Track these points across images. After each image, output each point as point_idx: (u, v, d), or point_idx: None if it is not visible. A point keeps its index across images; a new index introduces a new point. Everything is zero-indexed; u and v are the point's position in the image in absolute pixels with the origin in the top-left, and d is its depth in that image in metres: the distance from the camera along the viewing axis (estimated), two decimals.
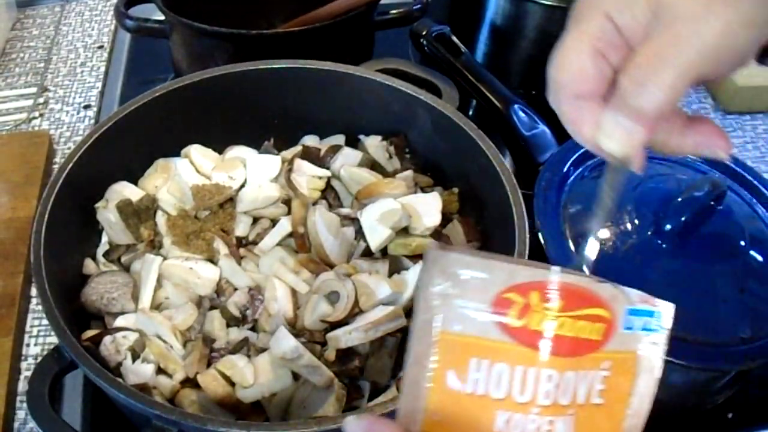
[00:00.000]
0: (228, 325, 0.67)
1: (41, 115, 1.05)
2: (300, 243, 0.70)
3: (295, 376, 0.62)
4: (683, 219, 0.65)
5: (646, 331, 0.37)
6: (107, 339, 0.64)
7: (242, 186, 0.75)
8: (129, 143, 0.75)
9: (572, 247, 0.67)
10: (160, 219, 0.73)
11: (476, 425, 0.34)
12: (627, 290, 0.37)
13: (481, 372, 0.34)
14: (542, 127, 0.86)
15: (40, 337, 0.78)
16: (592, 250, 0.45)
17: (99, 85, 1.11)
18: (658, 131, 0.39)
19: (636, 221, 0.67)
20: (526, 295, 0.34)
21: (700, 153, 0.41)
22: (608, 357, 0.36)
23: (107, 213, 0.71)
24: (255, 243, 0.72)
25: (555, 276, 0.35)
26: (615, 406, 0.36)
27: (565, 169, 0.73)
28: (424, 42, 0.97)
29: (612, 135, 0.38)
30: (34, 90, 1.08)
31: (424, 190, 0.79)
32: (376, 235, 0.69)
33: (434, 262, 0.34)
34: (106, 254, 0.72)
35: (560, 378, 0.34)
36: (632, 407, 0.36)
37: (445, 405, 0.34)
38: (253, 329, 0.67)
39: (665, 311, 0.37)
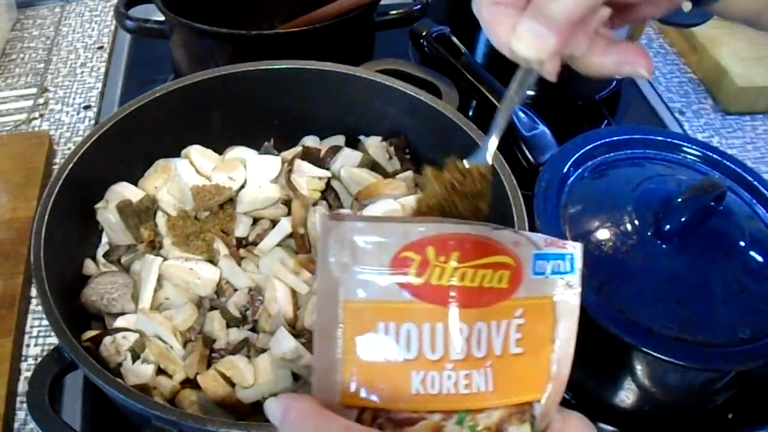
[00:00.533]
0: (228, 326, 0.67)
1: (41, 115, 1.05)
2: (300, 244, 0.70)
3: (296, 377, 0.62)
4: (683, 219, 0.65)
5: (559, 275, 0.36)
6: (107, 339, 0.64)
7: (242, 187, 0.75)
8: (129, 144, 0.75)
9: None
10: (160, 219, 0.73)
11: (393, 389, 0.33)
12: (531, 235, 0.36)
13: (389, 335, 0.33)
14: (542, 128, 0.86)
15: (40, 337, 0.78)
16: (492, 144, 0.46)
17: (99, 85, 1.11)
18: (577, 45, 0.41)
19: (636, 222, 0.67)
20: (422, 252, 0.34)
21: (622, 71, 0.43)
22: (521, 304, 0.35)
23: (107, 213, 0.71)
24: (255, 244, 0.72)
25: (449, 228, 0.34)
26: (537, 354, 0.35)
27: (565, 170, 0.73)
28: (424, 42, 0.97)
29: (525, 39, 0.39)
30: (34, 90, 1.08)
31: None
32: None
33: (329, 232, 0.34)
34: (106, 255, 0.72)
35: (470, 330, 0.34)
36: (556, 353, 0.36)
37: (359, 374, 0.33)
38: (253, 330, 0.67)
39: (576, 252, 0.37)
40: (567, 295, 0.36)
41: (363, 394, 0.33)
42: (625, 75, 0.44)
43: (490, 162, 0.44)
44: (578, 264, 0.37)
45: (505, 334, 0.34)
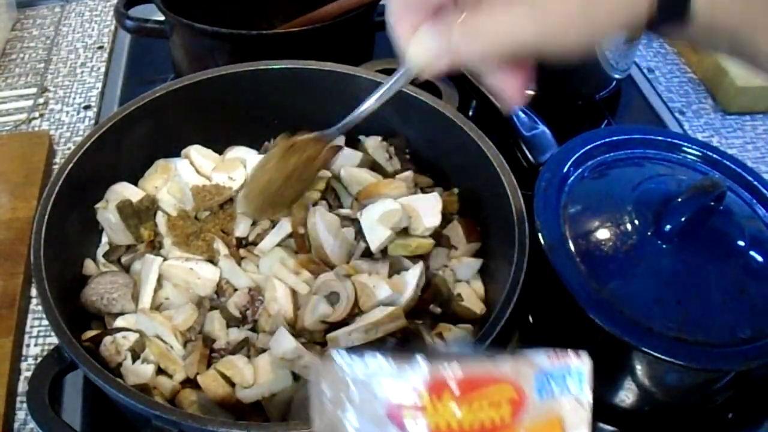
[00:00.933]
0: (228, 326, 0.67)
1: (41, 115, 1.05)
2: (300, 244, 0.70)
3: (295, 377, 0.62)
4: (683, 219, 0.65)
5: (567, 395, 0.35)
6: (107, 339, 0.64)
7: (242, 186, 0.75)
8: (129, 144, 0.75)
9: (572, 248, 0.67)
10: (160, 219, 0.73)
11: None
12: (533, 355, 0.35)
13: None
14: (542, 128, 0.86)
15: (40, 337, 0.78)
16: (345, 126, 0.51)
17: (99, 85, 1.11)
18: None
19: (636, 221, 0.67)
20: (417, 398, 0.33)
21: (494, 97, 0.45)
22: (529, 430, 0.34)
23: (107, 213, 0.71)
24: (255, 244, 0.72)
25: (443, 369, 0.34)
26: None
27: (565, 170, 0.73)
28: None
29: (423, 46, 0.42)
30: (34, 90, 1.08)
31: (424, 190, 0.79)
32: (376, 236, 0.69)
33: (320, 374, 0.34)
34: (106, 255, 0.72)
35: None
36: None
37: None
38: (253, 330, 0.67)
39: (583, 364, 0.36)
40: (577, 412, 0.36)
41: None
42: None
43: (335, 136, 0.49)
44: (587, 378, 0.36)
45: None
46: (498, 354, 0.35)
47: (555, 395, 0.35)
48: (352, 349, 0.35)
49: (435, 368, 0.34)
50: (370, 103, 0.52)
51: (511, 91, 0.45)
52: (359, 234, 0.71)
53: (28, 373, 0.74)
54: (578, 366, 0.36)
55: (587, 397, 0.36)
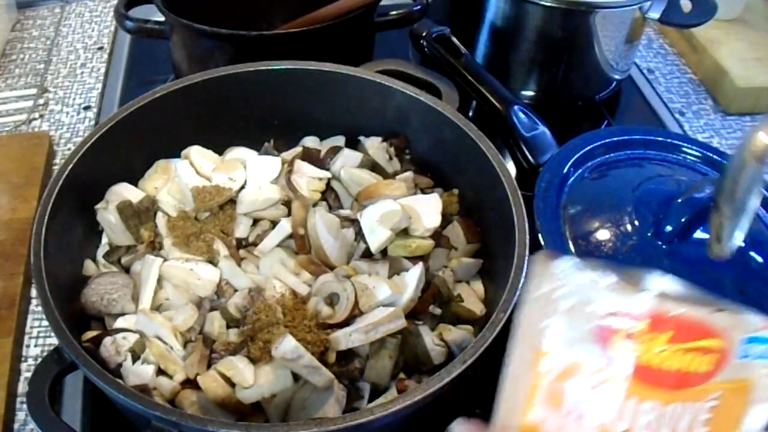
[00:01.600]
0: (228, 326, 0.67)
1: (41, 116, 1.05)
2: (300, 244, 0.70)
3: (295, 377, 0.62)
4: (683, 220, 0.65)
5: (764, 359, 0.35)
6: (107, 340, 0.64)
7: (242, 187, 0.75)
8: (129, 144, 0.75)
9: (572, 248, 0.67)
10: (161, 220, 0.73)
11: None
12: (748, 317, 0.35)
13: (578, 396, 0.33)
14: (542, 128, 0.86)
15: (40, 338, 0.78)
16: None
17: (99, 86, 1.11)
18: None
19: (636, 222, 0.67)
20: (633, 324, 0.33)
21: None
22: (719, 387, 0.34)
23: (107, 214, 0.71)
24: (255, 244, 0.72)
25: (667, 305, 0.34)
26: None
27: (565, 171, 0.73)
28: (424, 43, 0.97)
29: None
30: (34, 91, 1.08)
31: (424, 191, 0.79)
32: (376, 237, 0.69)
33: (542, 276, 0.33)
34: (106, 255, 0.72)
35: (663, 410, 0.33)
36: None
37: (539, 423, 0.33)
38: (253, 330, 0.67)
39: None
40: (766, 383, 0.35)
41: None
42: None
43: None
44: None
45: (694, 416, 0.34)
46: (719, 304, 0.35)
47: (753, 359, 0.35)
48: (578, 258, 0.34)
49: (661, 301, 0.33)
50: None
51: None
52: (359, 235, 0.71)
53: (28, 374, 0.74)
54: None
55: None
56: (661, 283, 0.35)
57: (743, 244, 0.67)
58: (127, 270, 0.72)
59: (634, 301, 0.33)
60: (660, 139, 0.78)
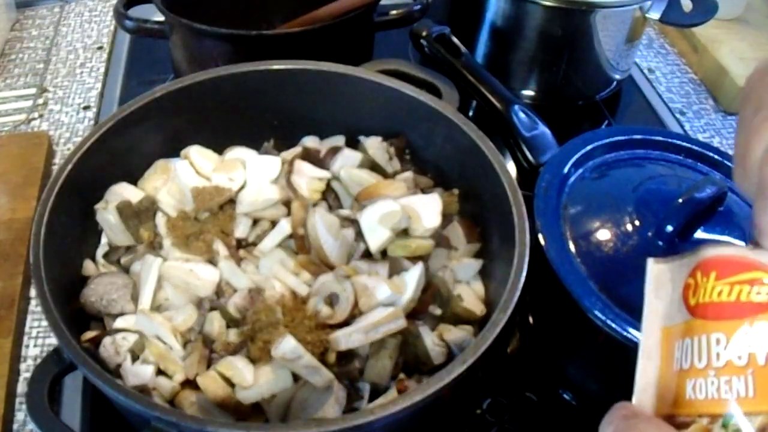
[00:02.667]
0: (228, 327, 0.67)
1: (40, 116, 1.05)
2: (300, 245, 0.70)
3: (295, 378, 0.62)
4: (684, 220, 0.65)
5: None
6: (107, 340, 0.63)
7: (242, 187, 0.75)
8: (128, 144, 0.75)
9: (572, 248, 0.67)
10: (160, 220, 0.73)
11: (678, 396, 0.38)
12: None
13: (678, 351, 0.39)
14: (542, 128, 0.86)
15: (40, 338, 0.78)
16: None
17: (98, 86, 1.11)
18: None
19: (637, 222, 0.67)
20: (695, 276, 0.40)
21: None
22: None
23: (107, 214, 0.71)
24: (255, 244, 0.72)
25: (710, 252, 0.40)
26: None
27: (566, 170, 0.73)
28: (425, 43, 0.97)
29: None
30: (33, 91, 1.08)
31: (424, 191, 0.78)
32: (376, 237, 0.69)
33: (657, 276, 0.42)
34: (105, 255, 0.72)
35: (728, 339, 0.37)
36: None
37: (663, 387, 0.39)
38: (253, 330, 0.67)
39: None
40: None
41: (664, 403, 0.39)
42: None
43: None
44: None
45: (765, 344, 0.37)
46: (761, 248, 0.40)
47: None
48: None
49: (706, 252, 0.40)
50: None
51: None
52: (359, 235, 0.71)
53: (28, 374, 0.74)
54: None
55: None
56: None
57: (744, 245, 0.67)
58: (126, 270, 0.71)
59: (692, 261, 0.40)
60: (660, 138, 0.78)
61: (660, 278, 0.42)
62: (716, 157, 0.76)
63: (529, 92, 1.05)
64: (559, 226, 0.68)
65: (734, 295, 0.38)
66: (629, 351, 0.62)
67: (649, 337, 0.41)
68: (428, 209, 0.71)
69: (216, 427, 0.51)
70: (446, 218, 0.73)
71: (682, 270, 0.40)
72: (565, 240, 0.67)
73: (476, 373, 0.57)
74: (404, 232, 0.70)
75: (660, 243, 0.65)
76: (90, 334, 0.64)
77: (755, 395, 0.36)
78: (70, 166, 0.68)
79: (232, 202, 0.74)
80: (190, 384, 0.63)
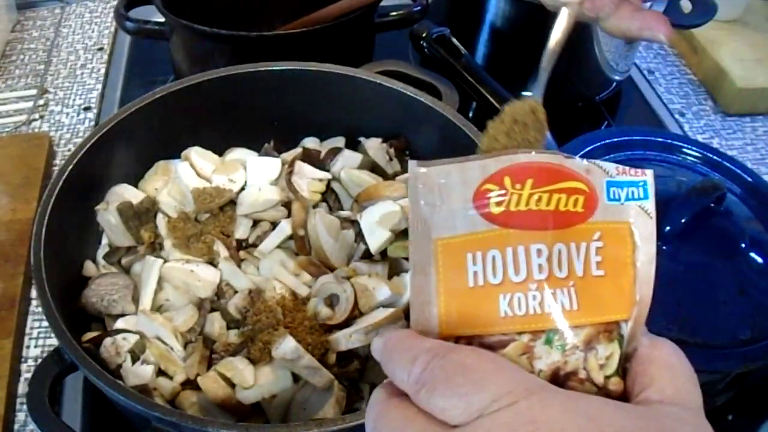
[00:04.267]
0: (228, 327, 0.67)
1: (41, 117, 1.05)
2: (300, 245, 0.70)
3: (295, 378, 0.62)
4: (683, 221, 0.65)
5: (634, 200, 0.37)
6: (107, 341, 0.64)
7: (242, 188, 0.75)
8: (129, 145, 0.75)
9: None
10: (161, 221, 0.73)
11: (485, 314, 0.35)
12: (602, 163, 0.37)
13: (477, 265, 0.35)
14: None
15: (40, 338, 0.78)
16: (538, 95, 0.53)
17: (99, 87, 1.11)
18: (603, 8, 0.49)
19: None
20: (500, 182, 0.35)
21: (643, 35, 0.50)
22: (598, 228, 0.36)
23: (107, 215, 0.71)
24: (255, 246, 0.72)
25: (522, 158, 0.36)
26: (618, 277, 0.36)
27: None
28: (424, 44, 0.97)
29: None
30: (34, 92, 1.08)
31: None
32: (376, 238, 0.69)
33: (417, 178, 0.36)
34: (106, 256, 0.72)
35: (550, 251, 0.35)
36: (638, 277, 0.36)
37: (452, 305, 0.35)
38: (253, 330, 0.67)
39: (648, 178, 0.37)
40: (643, 220, 0.37)
41: (458, 322, 0.35)
42: (645, 39, 0.51)
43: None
44: (651, 190, 0.37)
45: (585, 257, 0.35)
46: (574, 156, 0.37)
47: (623, 202, 0.36)
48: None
49: (515, 158, 0.36)
50: (552, 49, 0.58)
51: (656, 18, 0.49)
52: (359, 236, 0.71)
53: (28, 375, 0.74)
54: (642, 179, 0.37)
55: (652, 206, 0.37)
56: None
57: (743, 245, 0.67)
58: (127, 271, 0.72)
59: (497, 163, 0.36)
60: (660, 139, 0.78)
61: (430, 184, 0.36)
62: (715, 158, 0.76)
63: (529, 93, 1.05)
64: None
65: (553, 203, 0.35)
66: None
67: (419, 250, 0.36)
68: None
69: (216, 427, 0.51)
70: None
71: (470, 175, 0.36)
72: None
73: None
74: (404, 233, 0.70)
75: (659, 243, 0.65)
76: (91, 335, 0.64)
77: (579, 308, 0.35)
78: (70, 167, 0.68)
79: (232, 203, 0.74)
80: (190, 384, 0.63)
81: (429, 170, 0.36)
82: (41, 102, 1.07)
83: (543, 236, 0.35)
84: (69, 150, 0.99)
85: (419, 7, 1.01)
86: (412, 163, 0.36)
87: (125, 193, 0.74)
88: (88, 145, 0.70)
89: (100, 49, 1.18)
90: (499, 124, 0.45)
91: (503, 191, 0.35)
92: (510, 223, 0.35)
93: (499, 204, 0.35)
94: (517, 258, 0.35)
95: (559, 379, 0.34)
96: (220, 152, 0.81)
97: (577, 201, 0.36)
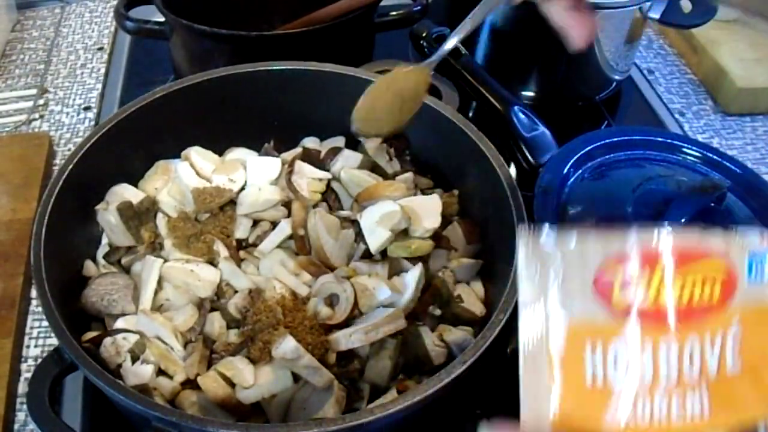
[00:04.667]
0: (228, 327, 0.67)
1: (41, 116, 1.05)
2: (300, 245, 0.70)
3: (295, 378, 0.62)
4: (683, 220, 0.65)
5: None
6: (107, 340, 0.64)
7: (242, 188, 0.75)
8: (129, 145, 0.75)
9: None
10: (161, 221, 0.73)
11: (603, 418, 0.31)
12: (743, 232, 0.32)
13: (596, 358, 0.31)
14: (542, 129, 0.86)
15: (40, 338, 0.78)
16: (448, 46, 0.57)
17: (99, 86, 1.11)
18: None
19: (636, 222, 0.67)
20: (625, 266, 0.31)
21: (561, 33, 0.52)
22: (736, 314, 0.32)
23: (107, 215, 0.71)
24: (255, 245, 0.72)
25: (654, 236, 0.32)
26: (758, 368, 0.32)
27: (565, 171, 0.73)
28: (424, 43, 0.97)
29: None
30: (34, 92, 1.08)
31: (424, 192, 0.79)
32: (376, 237, 0.69)
33: (529, 247, 0.33)
34: (106, 256, 0.72)
35: (680, 347, 0.31)
36: None
37: (567, 404, 0.32)
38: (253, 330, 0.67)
39: None
40: None
41: (574, 423, 0.32)
42: (563, 35, 0.52)
43: (428, 67, 0.51)
44: None
45: (720, 350, 0.32)
46: (712, 231, 0.33)
47: (766, 279, 0.32)
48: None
49: (646, 237, 0.32)
50: (465, 27, 0.62)
51: (578, 30, 0.50)
52: (359, 235, 0.71)
53: (28, 375, 0.74)
54: None
55: None
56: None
57: None
58: (127, 271, 0.72)
59: (621, 243, 0.32)
60: (660, 139, 0.78)
61: (541, 255, 0.32)
62: (715, 157, 0.76)
63: (528, 92, 1.05)
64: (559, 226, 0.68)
65: (687, 290, 0.31)
66: None
67: (529, 339, 0.32)
68: (428, 210, 0.71)
69: (216, 427, 0.51)
70: (446, 219, 0.73)
71: (591, 250, 0.31)
72: None
73: (476, 373, 0.57)
74: (404, 233, 0.70)
75: None
76: (91, 335, 0.64)
77: (711, 414, 0.31)
78: (70, 167, 0.68)
79: (232, 203, 0.74)
80: (190, 384, 0.63)
81: (542, 243, 0.32)
82: (41, 102, 1.07)
83: (673, 329, 0.31)
84: (69, 150, 0.99)
85: (419, 7, 1.01)
86: (523, 231, 0.32)
87: (125, 192, 0.74)
88: (88, 145, 0.70)
89: (100, 48, 1.18)
90: (374, 91, 0.47)
91: (628, 278, 0.31)
92: (636, 318, 0.31)
93: (623, 293, 0.31)
94: (643, 355, 0.31)
95: None
96: (220, 152, 0.81)
97: (713, 288, 0.32)
